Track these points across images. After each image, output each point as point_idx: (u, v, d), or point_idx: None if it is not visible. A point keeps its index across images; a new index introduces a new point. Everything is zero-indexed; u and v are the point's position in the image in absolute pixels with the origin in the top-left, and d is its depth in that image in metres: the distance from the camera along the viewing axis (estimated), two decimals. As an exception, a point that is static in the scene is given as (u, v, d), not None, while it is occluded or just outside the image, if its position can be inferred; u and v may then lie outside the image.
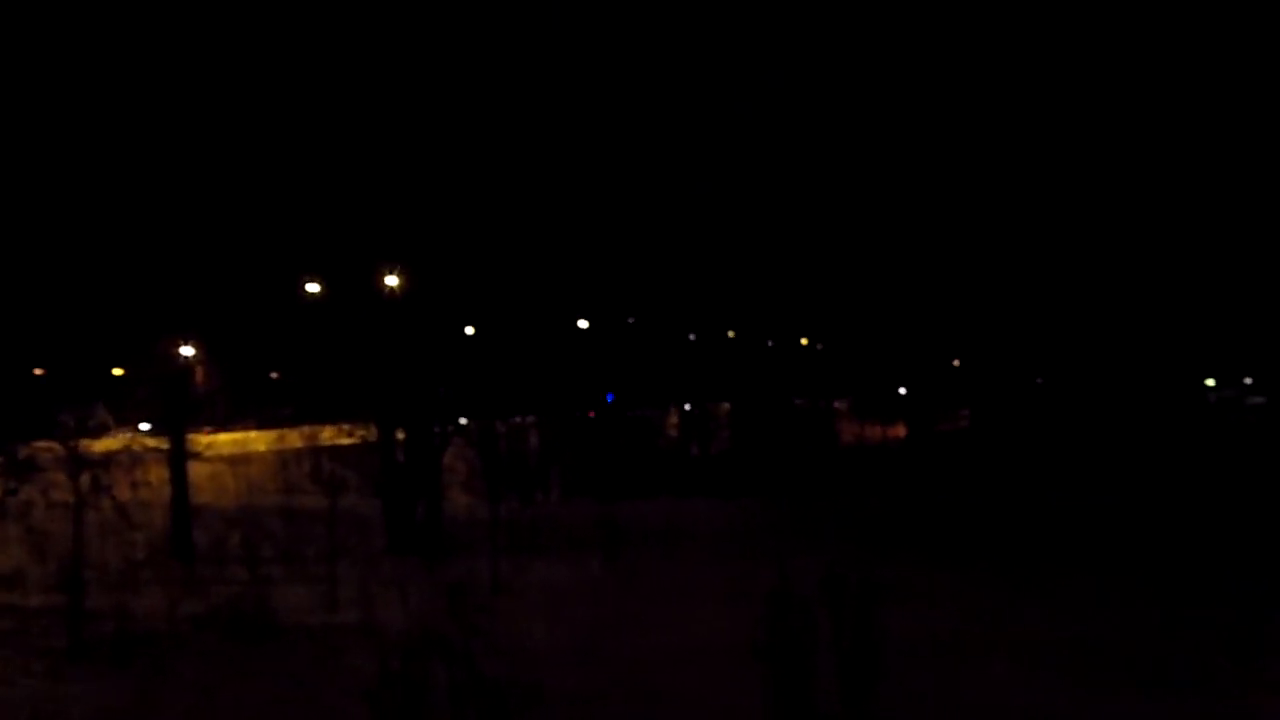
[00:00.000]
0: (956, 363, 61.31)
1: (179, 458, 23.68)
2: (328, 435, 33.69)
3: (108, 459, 19.60)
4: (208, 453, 26.87)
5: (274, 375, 47.45)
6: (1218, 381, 69.46)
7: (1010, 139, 48.94)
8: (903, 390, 59.37)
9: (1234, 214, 49.48)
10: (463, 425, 29.53)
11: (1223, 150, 48.70)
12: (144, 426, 26.60)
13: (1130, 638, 12.41)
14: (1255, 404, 70.21)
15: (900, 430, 60.71)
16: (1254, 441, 51.35)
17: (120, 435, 24.65)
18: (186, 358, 28.26)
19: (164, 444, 24.16)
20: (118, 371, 30.51)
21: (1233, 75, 49.34)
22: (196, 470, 25.97)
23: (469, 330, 37.34)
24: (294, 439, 35.05)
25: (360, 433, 28.81)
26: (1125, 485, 31.39)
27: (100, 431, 23.18)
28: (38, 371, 31.34)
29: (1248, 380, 70.93)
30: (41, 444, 18.86)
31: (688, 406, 55.67)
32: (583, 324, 49.02)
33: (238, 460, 32.07)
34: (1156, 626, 12.97)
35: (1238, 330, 53.92)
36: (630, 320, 54.55)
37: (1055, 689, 10.28)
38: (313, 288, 30.52)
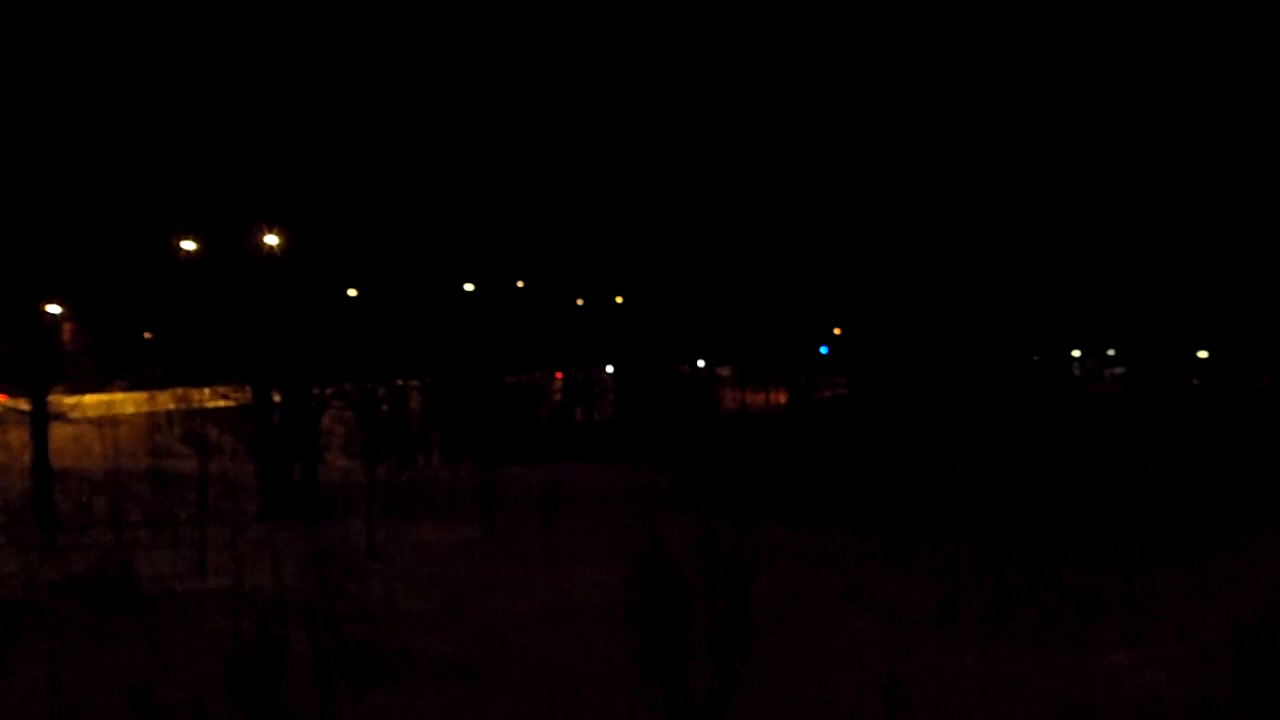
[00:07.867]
0: (838, 331, 62.57)
1: (40, 419, 22.83)
2: (201, 397, 32.87)
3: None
4: (73, 414, 25.97)
5: (146, 335, 45.97)
6: (1083, 352, 72.38)
7: (876, 108, 49.63)
8: (786, 357, 60.44)
9: (1096, 192, 51.26)
10: (342, 387, 29.06)
11: (1090, 126, 50.30)
12: None
13: (987, 597, 12.92)
14: (1115, 374, 73.55)
15: (782, 397, 61.80)
16: (1113, 409, 53.75)
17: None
18: (51, 315, 27.19)
19: (24, 405, 23.28)
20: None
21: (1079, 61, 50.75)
22: (60, 432, 25.07)
23: (351, 292, 36.68)
24: (165, 401, 34.15)
25: (236, 395, 28.19)
26: (992, 450, 32.47)
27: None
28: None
29: (1110, 351, 74.10)
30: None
31: (573, 372, 55.77)
32: (469, 287, 48.60)
33: (105, 422, 31.03)
34: (1013, 587, 13.51)
35: (1102, 302, 56.07)
36: (519, 284, 54.19)
37: (913, 645, 10.68)
38: (188, 245, 29.63)
